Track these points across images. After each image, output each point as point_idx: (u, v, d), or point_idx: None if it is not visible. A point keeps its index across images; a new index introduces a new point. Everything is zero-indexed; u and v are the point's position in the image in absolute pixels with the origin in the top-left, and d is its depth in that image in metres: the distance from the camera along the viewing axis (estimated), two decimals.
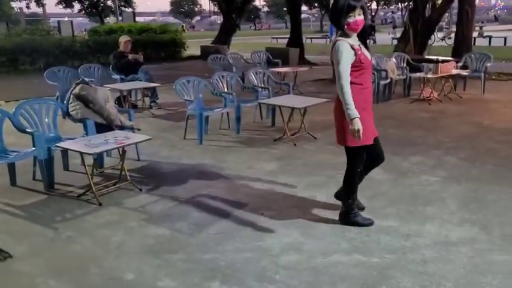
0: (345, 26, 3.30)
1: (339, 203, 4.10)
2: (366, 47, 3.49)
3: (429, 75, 8.71)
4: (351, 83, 3.33)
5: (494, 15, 53.56)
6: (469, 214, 3.89)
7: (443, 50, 16.48)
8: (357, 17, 3.28)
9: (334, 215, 3.93)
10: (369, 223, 3.73)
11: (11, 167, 4.77)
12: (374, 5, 59.67)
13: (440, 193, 4.37)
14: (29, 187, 4.74)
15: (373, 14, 58.87)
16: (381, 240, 3.50)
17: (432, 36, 24.33)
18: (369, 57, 3.50)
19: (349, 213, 3.74)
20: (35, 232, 3.76)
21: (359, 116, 3.30)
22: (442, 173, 4.92)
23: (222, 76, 7.17)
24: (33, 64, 15.54)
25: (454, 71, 9.20)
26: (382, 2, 59.36)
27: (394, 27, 34.19)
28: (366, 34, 3.51)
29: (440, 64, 8.80)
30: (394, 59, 9.91)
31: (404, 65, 10.06)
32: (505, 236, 3.50)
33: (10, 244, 3.53)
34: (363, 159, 3.63)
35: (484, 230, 3.61)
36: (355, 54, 3.33)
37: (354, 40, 3.40)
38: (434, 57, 10.93)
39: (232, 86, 7.15)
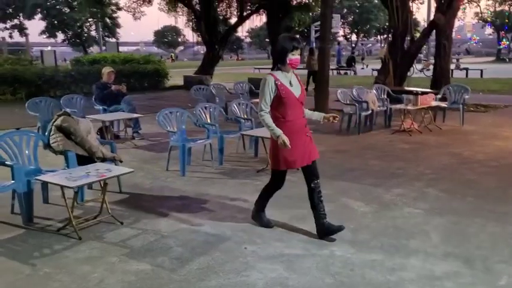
0: (288, 62, 3.90)
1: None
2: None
3: (409, 107, 8.87)
4: (275, 115, 3.96)
5: (466, 49, 54.92)
6: (452, 247, 3.91)
7: (422, 82, 16.87)
8: (297, 56, 3.94)
9: (319, 248, 3.91)
10: (268, 225, 4.37)
11: None
12: (354, 37, 61.10)
13: (423, 226, 4.39)
14: (6, 221, 4.62)
15: (353, 45, 60.14)
16: (366, 274, 3.47)
17: (411, 68, 25.04)
18: (296, 94, 3.97)
19: (256, 213, 4.47)
20: (12, 269, 3.64)
21: (280, 134, 3.87)
22: (424, 205, 4.95)
23: (205, 107, 7.19)
24: (14, 94, 15.40)
25: (434, 103, 9.39)
26: (362, 35, 60.71)
27: (363, 58, 34.87)
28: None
29: (420, 96, 8.97)
30: (374, 91, 10.10)
31: (385, 96, 10.25)
32: (488, 269, 3.52)
33: None
34: (281, 180, 4.28)
35: (467, 263, 3.62)
36: (277, 89, 3.88)
37: (286, 76, 3.96)
38: (414, 89, 11.17)
39: (216, 117, 7.17)
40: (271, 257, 3.78)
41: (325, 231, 4.10)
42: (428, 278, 3.40)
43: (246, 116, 7.58)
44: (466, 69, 25.57)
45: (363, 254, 3.80)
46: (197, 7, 21.10)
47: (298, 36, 4.24)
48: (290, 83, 3.94)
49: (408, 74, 22.14)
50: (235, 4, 22.13)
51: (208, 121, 7.02)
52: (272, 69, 4.08)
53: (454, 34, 14.17)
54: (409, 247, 3.93)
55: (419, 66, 27.28)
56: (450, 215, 4.66)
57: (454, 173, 6.18)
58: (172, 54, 66.01)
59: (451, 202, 5.05)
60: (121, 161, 5.41)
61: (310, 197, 4.17)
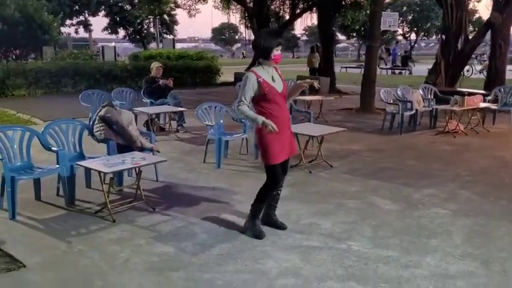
0: (272, 57, 3.88)
1: (342, 231, 4.20)
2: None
3: (455, 108, 8.65)
4: (261, 111, 3.90)
5: None
6: (472, 248, 3.87)
7: (479, 83, 16.24)
8: (280, 51, 3.93)
9: (337, 242, 4.00)
10: (259, 236, 4.06)
11: (36, 183, 5.06)
12: (413, 36, 59.32)
13: (447, 226, 4.35)
14: (51, 202, 5.01)
15: (412, 44, 58.44)
16: (378, 269, 3.53)
17: (470, 69, 24.13)
18: (279, 89, 3.94)
19: (251, 219, 4.15)
20: (50, 245, 3.98)
21: (263, 119, 3.78)
22: (452, 206, 4.89)
23: None
24: (75, 86, 16.24)
25: (482, 104, 9.09)
26: (422, 33, 58.84)
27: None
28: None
29: (466, 97, 8.73)
30: (420, 91, 9.90)
31: (431, 96, 10.02)
32: (506, 272, 3.47)
33: (25, 255, 3.76)
34: (279, 175, 4.07)
35: (484, 264, 3.58)
36: (260, 85, 3.83)
37: (267, 71, 3.93)
38: (465, 90, 10.84)
39: None
40: (289, 247, 3.91)
41: (268, 222, 4.31)
42: (442, 276, 3.40)
43: None
44: None
45: (379, 249, 3.85)
46: (250, 5, 21.34)
47: (280, 30, 4.29)
48: (272, 79, 3.92)
49: (467, 74, 21.38)
50: (289, 2, 22.19)
51: None
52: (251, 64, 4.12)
53: None
54: (428, 246, 3.93)
55: (478, 67, 26.27)
56: (478, 217, 4.58)
57: (492, 176, 6.02)
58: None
59: (483, 204, 4.95)
60: (158, 151, 5.70)
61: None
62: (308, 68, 21.14)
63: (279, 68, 4.16)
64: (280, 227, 4.28)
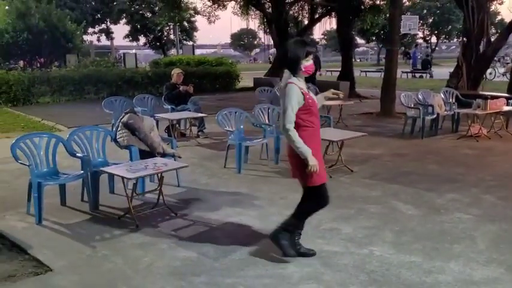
0: (302, 69, 3.58)
1: (364, 236, 4.18)
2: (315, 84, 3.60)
3: (477, 112, 8.53)
4: (303, 126, 3.56)
5: None
6: (497, 254, 3.82)
7: (502, 86, 16.00)
8: (311, 61, 3.61)
9: (358, 247, 3.99)
10: (291, 253, 3.78)
11: (62, 188, 5.18)
12: (434, 39, 58.61)
13: (471, 231, 4.30)
14: (76, 207, 5.11)
15: (433, 47, 57.76)
16: (401, 274, 3.51)
17: (493, 71, 23.76)
18: (316, 99, 3.72)
19: (282, 231, 3.80)
20: (75, 249, 4.07)
21: (311, 151, 3.49)
22: (476, 211, 4.83)
23: (264, 108, 7.41)
24: (97, 93, 16.51)
25: (505, 108, 8.95)
26: (442, 36, 58.09)
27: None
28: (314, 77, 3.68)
29: (489, 100, 8.60)
30: (442, 95, 9.79)
31: (453, 100, 9.90)
32: None
33: (52, 259, 3.85)
34: (325, 196, 3.71)
35: (510, 270, 3.53)
36: (304, 98, 3.54)
37: (302, 83, 3.63)
38: (488, 93, 10.69)
39: (273, 118, 7.36)
40: None
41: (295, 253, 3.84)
42: (465, 282, 3.37)
43: None
44: None
45: (402, 255, 3.82)
46: (269, 10, 21.42)
47: (310, 39, 4.02)
48: (308, 91, 3.65)
49: (489, 77, 21.06)
50: (307, 7, 22.21)
51: (267, 122, 7.23)
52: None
53: None
54: (452, 251, 3.89)
55: (501, 69, 25.85)
56: (503, 222, 4.52)
57: None
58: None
59: (507, 209, 4.87)
60: (180, 157, 5.77)
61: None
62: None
63: None
64: (309, 254, 3.85)
